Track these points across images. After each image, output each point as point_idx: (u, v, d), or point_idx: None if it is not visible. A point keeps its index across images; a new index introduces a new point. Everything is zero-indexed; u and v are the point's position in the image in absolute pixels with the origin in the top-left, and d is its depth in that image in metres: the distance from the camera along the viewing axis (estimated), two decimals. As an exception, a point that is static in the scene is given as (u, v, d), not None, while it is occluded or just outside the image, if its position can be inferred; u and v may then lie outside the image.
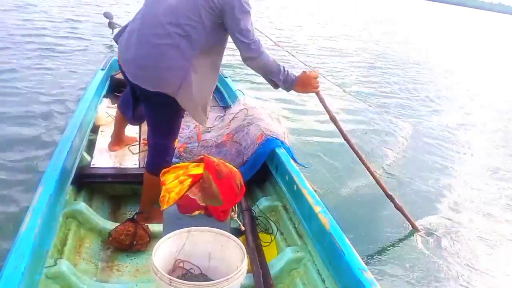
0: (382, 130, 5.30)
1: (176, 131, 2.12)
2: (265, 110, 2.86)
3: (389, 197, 2.83)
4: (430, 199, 3.62)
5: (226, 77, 3.99)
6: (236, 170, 1.94)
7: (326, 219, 1.80)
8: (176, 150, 2.31)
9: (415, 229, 2.98)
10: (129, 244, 1.96)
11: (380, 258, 2.75)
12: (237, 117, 2.82)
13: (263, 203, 2.39)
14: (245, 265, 1.49)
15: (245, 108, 2.84)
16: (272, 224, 2.25)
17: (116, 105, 3.28)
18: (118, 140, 2.68)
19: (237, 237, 1.64)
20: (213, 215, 1.79)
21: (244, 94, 3.43)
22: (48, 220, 1.65)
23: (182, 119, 2.09)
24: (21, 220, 1.54)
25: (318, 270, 1.82)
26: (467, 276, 2.69)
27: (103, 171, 2.44)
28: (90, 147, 2.70)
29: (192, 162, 1.92)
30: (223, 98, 3.84)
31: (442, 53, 14.71)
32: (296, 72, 2.16)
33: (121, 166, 2.53)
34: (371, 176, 2.77)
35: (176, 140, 2.13)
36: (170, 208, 1.79)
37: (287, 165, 2.30)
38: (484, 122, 6.68)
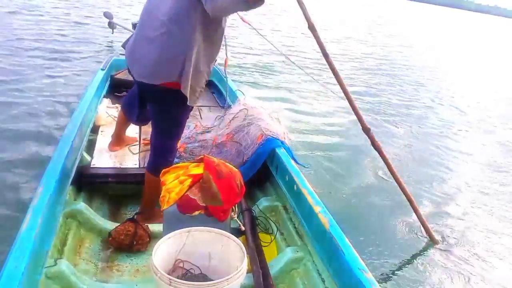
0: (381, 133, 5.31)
1: (180, 132, 2.13)
2: (265, 110, 2.86)
3: (409, 200, 2.78)
4: (435, 201, 3.61)
5: (226, 77, 3.99)
6: (236, 170, 1.94)
7: (326, 219, 1.80)
8: (176, 150, 2.31)
9: (432, 240, 2.92)
10: (129, 244, 1.96)
11: (380, 258, 2.75)
12: (237, 117, 2.82)
13: (263, 203, 2.39)
14: (245, 265, 1.49)
15: (245, 108, 2.84)
16: (272, 224, 2.25)
17: (116, 105, 3.30)
18: (118, 140, 2.68)
19: (237, 237, 1.64)
20: (213, 215, 1.79)
21: (244, 94, 3.44)
22: (48, 220, 1.65)
23: None
24: (21, 220, 1.54)
25: (318, 270, 1.82)
26: (466, 276, 2.69)
27: (103, 171, 2.44)
28: (90, 147, 2.70)
29: (192, 162, 1.92)
30: (223, 98, 3.84)
31: (441, 56, 14.72)
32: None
33: (121, 166, 2.53)
34: (394, 179, 2.71)
35: (179, 141, 2.14)
36: (170, 208, 1.79)
37: (287, 165, 2.30)
38: (488, 124, 6.68)
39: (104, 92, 3.47)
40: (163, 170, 1.91)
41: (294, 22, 13.94)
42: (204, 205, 1.78)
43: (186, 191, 1.79)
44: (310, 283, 1.81)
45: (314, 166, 3.84)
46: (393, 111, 6.40)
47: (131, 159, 2.62)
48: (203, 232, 1.65)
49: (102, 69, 3.65)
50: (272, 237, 2.16)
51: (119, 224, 2.03)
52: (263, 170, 2.51)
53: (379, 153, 2.70)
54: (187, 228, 1.64)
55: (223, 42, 2.07)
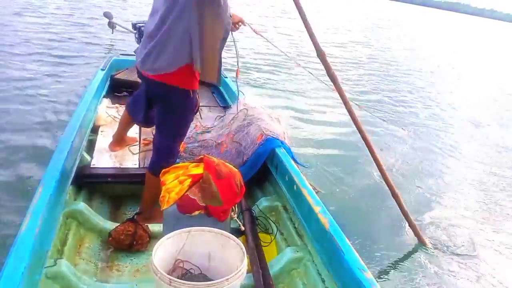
0: (382, 136, 5.31)
1: (184, 133, 2.14)
2: (265, 110, 2.86)
3: (397, 200, 2.77)
4: (431, 206, 3.61)
5: (226, 77, 3.99)
6: (236, 170, 1.94)
7: (326, 219, 1.80)
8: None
9: (421, 241, 2.91)
10: (129, 244, 1.96)
11: (380, 258, 2.75)
12: (237, 117, 2.82)
13: (263, 203, 2.39)
14: (245, 265, 1.49)
15: (245, 108, 2.84)
16: (272, 224, 2.25)
17: (116, 105, 3.30)
18: (119, 140, 2.68)
19: (237, 237, 1.64)
20: (213, 215, 1.79)
21: (244, 94, 3.43)
22: (48, 220, 1.65)
23: None
24: (21, 220, 1.54)
25: (318, 270, 1.82)
26: (466, 278, 2.69)
27: (103, 171, 2.44)
28: (90, 147, 2.70)
29: (192, 162, 1.92)
30: (223, 98, 3.84)
31: (441, 59, 14.73)
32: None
33: (121, 166, 2.53)
34: (386, 183, 2.70)
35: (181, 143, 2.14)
36: (170, 208, 1.79)
37: (287, 165, 2.30)
38: (483, 125, 6.68)
39: (104, 92, 3.47)
40: (163, 170, 1.91)
41: (292, 22, 13.92)
42: (204, 205, 1.78)
43: (186, 191, 1.79)
44: (310, 283, 1.81)
45: (314, 166, 3.84)
46: (392, 110, 6.42)
47: (131, 159, 2.62)
48: (203, 232, 1.65)
49: (102, 69, 3.65)
50: (272, 237, 2.16)
51: (119, 224, 2.03)
52: (263, 170, 2.52)
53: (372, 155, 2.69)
54: (187, 228, 1.63)
55: (234, 51, 2.06)
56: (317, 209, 1.88)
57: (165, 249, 1.56)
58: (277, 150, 2.47)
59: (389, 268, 2.69)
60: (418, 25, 30.17)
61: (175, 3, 1.79)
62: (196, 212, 1.78)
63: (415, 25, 30.08)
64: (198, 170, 1.84)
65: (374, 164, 2.70)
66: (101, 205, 2.38)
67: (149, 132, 2.84)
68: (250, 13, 15.24)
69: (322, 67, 2.48)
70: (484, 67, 15.11)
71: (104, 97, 3.41)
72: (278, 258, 1.95)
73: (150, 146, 2.35)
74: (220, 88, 3.96)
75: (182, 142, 2.74)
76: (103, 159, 2.56)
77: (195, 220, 1.75)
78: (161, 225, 1.90)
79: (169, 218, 1.81)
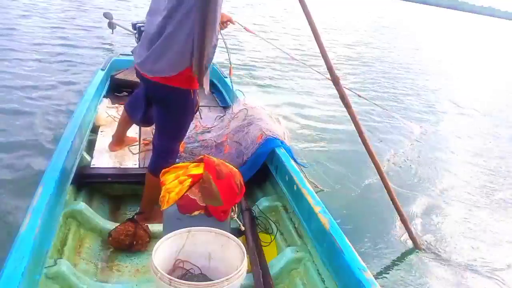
0: (387, 131, 5.33)
1: (184, 133, 2.14)
2: (265, 110, 2.86)
3: (396, 205, 2.75)
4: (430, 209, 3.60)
5: (226, 77, 3.99)
6: (236, 170, 1.94)
7: (326, 219, 1.80)
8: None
9: (415, 244, 2.89)
10: (129, 244, 1.96)
11: (380, 258, 2.75)
12: (237, 117, 2.82)
13: (263, 203, 2.39)
14: (245, 265, 1.49)
15: (245, 108, 2.84)
16: (272, 224, 2.25)
17: (116, 105, 3.30)
18: (119, 140, 2.68)
19: (237, 237, 1.64)
20: (213, 215, 1.79)
21: (244, 94, 3.43)
22: (48, 220, 1.65)
23: None
24: (21, 220, 1.54)
25: (318, 270, 1.82)
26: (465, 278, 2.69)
27: (103, 171, 2.44)
28: (90, 147, 2.70)
29: (192, 162, 1.92)
30: (223, 98, 3.83)
31: (442, 56, 14.72)
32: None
33: (121, 166, 2.53)
34: (382, 182, 2.70)
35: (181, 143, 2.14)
36: (170, 208, 1.79)
37: (287, 165, 2.30)
38: (491, 127, 6.68)
39: (104, 92, 3.47)
40: (163, 170, 1.91)
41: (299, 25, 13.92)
42: (204, 205, 1.78)
43: (186, 191, 1.79)
44: (310, 283, 1.81)
45: (314, 166, 3.84)
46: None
47: (131, 159, 2.62)
48: (203, 232, 1.65)
49: (102, 69, 3.65)
50: (272, 237, 2.16)
51: (119, 224, 2.03)
52: (263, 170, 2.51)
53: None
54: (187, 228, 1.64)
55: (223, 45, 2.06)
56: (317, 209, 1.88)
57: (165, 249, 1.57)
58: (277, 150, 2.47)
59: (389, 268, 2.69)
60: (418, 23, 30.17)
61: (179, 5, 1.78)
62: (196, 212, 1.78)
63: (416, 23, 30.07)
64: (198, 170, 1.84)
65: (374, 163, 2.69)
66: (101, 205, 2.38)
67: (149, 132, 2.84)
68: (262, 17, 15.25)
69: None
70: (487, 64, 15.13)
71: (104, 97, 3.41)
72: (278, 258, 1.94)
73: (150, 146, 2.35)
74: (220, 88, 3.96)
75: (182, 142, 2.75)
76: (103, 159, 2.56)
77: (195, 220, 1.75)
78: (161, 225, 1.90)
79: (169, 218, 1.81)
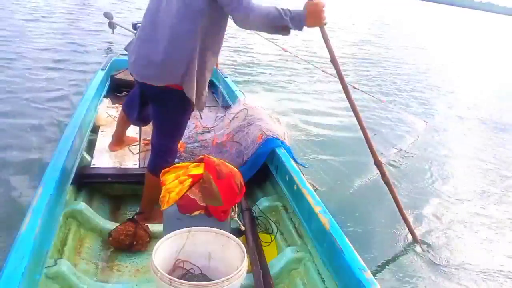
0: (391, 125, 5.36)
1: (181, 132, 2.14)
2: (265, 110, 2.86)
3: (389, 186, 2.76)
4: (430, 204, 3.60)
5: (226, 77, 3.98)
6: (236, 170, 1.94)
7: (326, 219, 1.80)
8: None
9: (414, 239, 2.91)
10: (129, 244, 1.96)
11: (380, 258, 2.74)
12: (237, 117, 2.82)
13: (263, 203, 2.39)
14: (245, 265, 1.49)
15: (245, 108, 2.84)
16: (272, 224, 2.25)
17: (116, 105, 3.30)
18: (119, 140, 2.68)
19: (237, 237, 1.64)
20: (213, 215, 1.79)
21: (244, 94, 3.43)
22: (48, 220, 1.65)
23: None
24: (21, 220, 1.54)
25: (318, 270, 1.82)
26: (464, 279, 2.69)
27: (103, 171, 2.44)
28: (90, 147, 2.70)
29: (192, 162, 1.92)
30: (223, 98, 3.83)
31: (444, 53, 14.72)
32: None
33: (121, 166, 2.53)
34: (381, 176, 2.71)
35: (179, 142, 2.14)
36: (170, 208, 1.79)
37: (287, 165, 2.30)
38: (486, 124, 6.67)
39: (104, 92, 3.47)
40: (163, 170, 1.91)
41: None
42: (204, 205, 1.78)
43: (186, 191, 1.80)
44: (310, 283, 1.81)
45: (314, 166, 3.84)
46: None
47: (131, 159, 2.62)
48: (203, 232, 1.65)
49: (102, 69, 3.65)
50: (272, 237, 2.16)
51: (119, 224, 2.03)
52: (263, 170, 2.51)
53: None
54: (187, 228, 1.64)
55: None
56: (317, 209, 1.88)
57: (165, 249, 1.57)
58: (277, 150, 2.47)
59: (389, 267, 2.69)
60: (420, 21, 30.18)
61: (186, 23, 1.79)
62: (196, 212, 1.78)
63: (417, 20, 30.06)
64: (198, 170, 1.84)
65: (373, 162, 2.69)
66: (101, 205, 2.38)
67: (149, 132, 2.82)
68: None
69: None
70: (488, 59, 15.15)
71: (104, 97, 3.41)
72: (278, 258, 1.94)
73: (150, 146, 2.35)
74: (220, 88, 3.95)
75: (182, 142, 2.76)
76: (103, 159, 2.56)
77: (195, 220, 1.75)
78: (161, 225, 1.90)
79: (169, 218, 1.81)
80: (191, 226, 1.65)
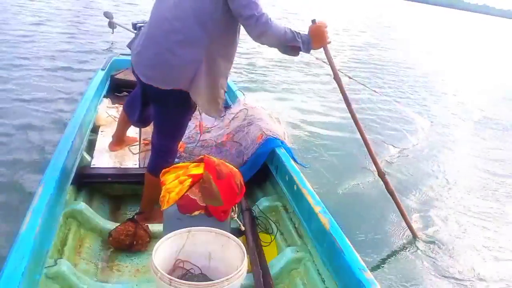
0: (395, 125, 5.38)
1: (182, 133, 2.13)
2: (265, 110, 2.86)
3: (393, 196, 2.78)
4: (430, 203, 3.60)
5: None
6: (236, 170, 1.94)
7: (326, 219, 1.80)
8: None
9: (414, 235, 2.93)
10: (129, 244, 1.96)
11: (380, 258, 2.75)
12: (237, 117, 2.82)
13: (263, 203, 2.38)
14: (245, 265, 1.49)
15: (245, 108, 2.84)
16: (272, 224, 2.25)
17: (116, 105, 3.30)
18: (119, 140, 2.68)
19: (237, 237, 1.64)
20: (213, 215, 1.79)
21: (244, 94, 3.43)
22: (48, 220, 1.65)
23: None
24: (21, 220, 1.54)
25: (318, 270, 1.82)
26: (463, 278, 2.69)
27: (103, 171, 2.44)
28: (90, 147, 2.70)
29: (192, 162, 1.92)
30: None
31: (443, 53, 14.72)
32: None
33: (122, 166, 2.53)
34: (378, 173, 2.73)
35: (180, 142, 2.14)
36: (170, 208, 1.79)
37: (287, 165, 2.30)
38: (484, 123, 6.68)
39: (104, 92, 3.47)
40: (163, 170, 1.91)
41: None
42: (204, 205, 1.78)
43: (186, 191, 1.79)
44: (310, 283, 1.81)
45: (314, 166, 3.84)
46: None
47: (131, 159, 2.62)
48: (203, 232, 1.65)
49: (102, 69, 3.65)
50: (272, 237, 2.16)
51: (119, 224, 2.03)
52: (263, 170, 2.51)
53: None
54: (187, 228, 1.64)
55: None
56: (317, 209, 1.88)
57: (165, 249, 1.57)
58: (277, 150, 2.47)
59: (389, 267, 2.69)
60: (418, 22, 30.22)
61: (198, 28, 1.77)
62: (196, 212, 1.78)
63: (415, 22, 30.10)
64: (198, 170, 1.84)
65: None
66: (101, 205, 2.38)
67: (149, 132, 2.82)
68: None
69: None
70: (487, 60, 15.17)
71: (104, 97, 3.41)
72: (278, 258, 1.94)
73: (150, 146, 2.35)
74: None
75: (182, 142, 2.75)
76: (103, 159, 2.56)
77: (195, 220, 1.75)
78: (161, 225, 1.90)
79: (169, 218, 1.81)
80: (191, 226, 1.65)
